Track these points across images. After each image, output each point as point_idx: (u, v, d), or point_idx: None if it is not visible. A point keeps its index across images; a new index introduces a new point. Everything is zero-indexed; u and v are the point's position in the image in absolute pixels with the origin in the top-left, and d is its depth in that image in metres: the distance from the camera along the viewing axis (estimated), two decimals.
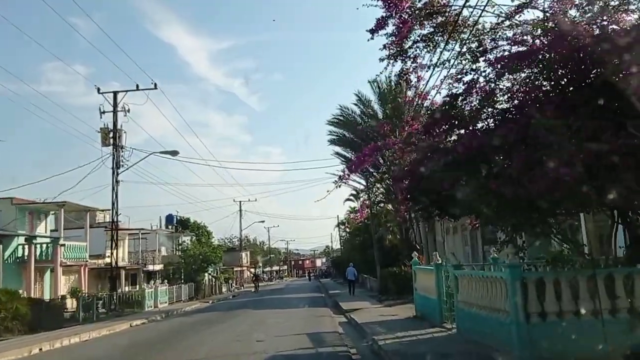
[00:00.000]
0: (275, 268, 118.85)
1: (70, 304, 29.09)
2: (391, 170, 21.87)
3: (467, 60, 10.41)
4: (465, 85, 9.54)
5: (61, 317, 25.49)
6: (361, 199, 51.91)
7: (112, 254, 29.04)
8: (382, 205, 41.74)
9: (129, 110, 28.62)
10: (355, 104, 34.71)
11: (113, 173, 28.43)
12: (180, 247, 43.52)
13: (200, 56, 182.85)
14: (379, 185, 36.90)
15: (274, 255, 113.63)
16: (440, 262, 14.86)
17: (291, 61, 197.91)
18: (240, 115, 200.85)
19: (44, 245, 30.66)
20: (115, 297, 29.30)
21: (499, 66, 9.13)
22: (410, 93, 17.09)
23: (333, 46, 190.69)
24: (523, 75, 9.30)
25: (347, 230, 62.66)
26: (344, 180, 14.05)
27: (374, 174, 35.16)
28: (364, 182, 36.86)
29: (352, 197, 52.22)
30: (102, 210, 52.44)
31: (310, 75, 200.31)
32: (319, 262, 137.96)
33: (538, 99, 8.88)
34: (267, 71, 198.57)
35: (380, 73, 11.75)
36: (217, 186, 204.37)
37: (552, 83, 8.77)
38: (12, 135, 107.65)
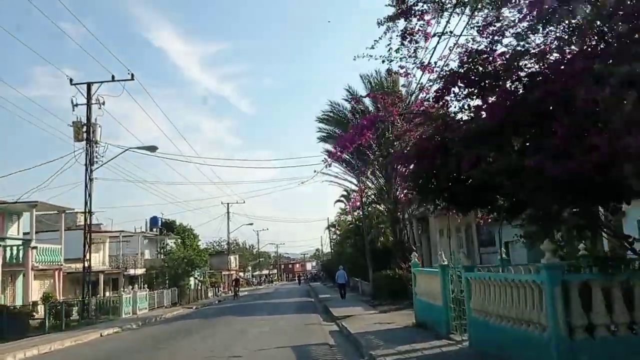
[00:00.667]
0: (265, 272, 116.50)
1: (42, 310, 26.74)
2: (389, 152, 19.45)
3: (489, 9, 8.29)
4: (490, 37, 7.46)
5: (27, 326, 23.15)
6: (352, 197, 49.96)
7: (84, 257, 26.67)
8: (373, 205, 39.71)
9: (103, 103, 26.36)
10: (346, 100, 32.66)
11: (86, 170, 26.11)
12: (163, 250, 41.15)
13: (191, 60, 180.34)
14: (371, 185, 34.82)
15: (263, 259, 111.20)
16: (445, 262, 12.77)
17: (282, 66, 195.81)
18: (230, 119, 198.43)
19: (14, 248, 28.27)
20: (89, 303, 26.90)
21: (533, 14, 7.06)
22: (404, 81, 14.87)
23: (325, 49, 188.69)
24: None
25: (338, 232, 60.58)
26: (334, 158, 12.01)
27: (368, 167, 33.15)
28: (355, 182, 34.69)
29: (342, 199, 50.14)
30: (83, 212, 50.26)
31: (301, 79, 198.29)
32: (309, 266, 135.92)
33: (585, 52, 6.86)
34: (258, 76, 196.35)
35: (377, 41, 9.58)
36: (202, 186, 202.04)
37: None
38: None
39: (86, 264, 26.90)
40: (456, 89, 7.55)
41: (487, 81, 7.21)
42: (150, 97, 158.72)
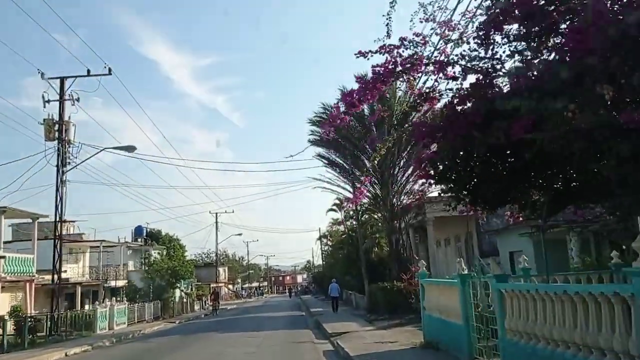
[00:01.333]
0: (255, 284, 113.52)
1: (10, 326, 24.19)
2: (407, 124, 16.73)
3: None
4: None
5: None
6: (345, 208, 47.67)
7: (54, 267, 24.09)
8: (368, 214, 37.44)
9: (77, 99, 23.93)
10: (340, 100, 30.42)
11: (58, 171, 23.65)
12: (147, 260, 38.56)
13: (182, 73, 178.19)
14: (367, 193, 32.51)
15: (253, 271, 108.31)
16: (465, 271, 10.51)
17: (273, 78, 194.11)
18: (221, 131, 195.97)
19: None
20: (59, 318, 24.31)
21: None
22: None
23: (316, 62, 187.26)
24: None
25: (330, 243, 58.20)
26: (338, 120, 9.87)
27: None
28: (349, 188, 32.41)
29: (335, 207, 47.83)
30: (67, 221, 47.58)
31: (293, 92, 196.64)
32: (299, 278, 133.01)
33: None
34: (249, 88, 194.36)
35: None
36: (191, 195, 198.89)
37: None
38: None
39: (57, 275, 24.04)
40: (510, 26, 5.34)
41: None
42: (139, 106, 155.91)
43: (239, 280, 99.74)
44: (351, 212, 47.03)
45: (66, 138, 23.79)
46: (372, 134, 30.21)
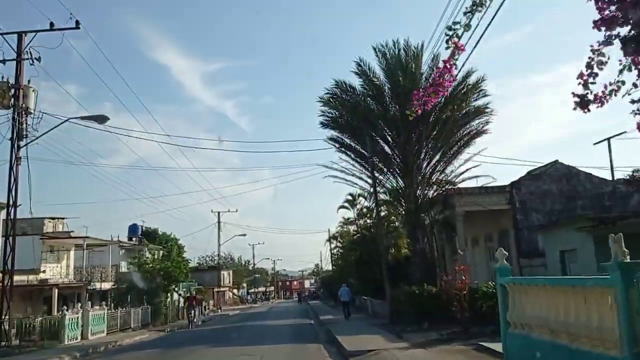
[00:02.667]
0: (262, 289, 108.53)
1: None
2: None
3: None
4: None
5: None
6: (357, 206, 42.67)
7: (4, 264, 19.10)
8: (386, 208, 32.34)
9: (38, 59, 19.19)
10: (357, 73, 25.44)
11: (12, 146, 18.89)
12: (136, 261, 33.68)
13: (192, 78, 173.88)
14: (386, 181, 27.51)
15: (259, 275, 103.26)
16: (625, 260, 5.54)
17: (281, 84, 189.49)
18: (230, 136, 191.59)
19: None
20: (10, 326, 19.44)
21: None
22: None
23: (325, 69, 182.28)
24: None
25: (340, 244, 53.13)
26: None
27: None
28: (365, 178, 27.33)
29: (347, 204, 42.81)
30: (55, 218, 42.89)
31: (301, 97, 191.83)
32: (307, 283, 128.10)
33: None
34: (257, 94, 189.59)
35: None
36: (194, 195, 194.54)
37: None
38: None
39: (9, 275, 19.16)
40: None
41: None
42: (148, 111, 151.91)
43: (245, 285, 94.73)
44: (364, 210, 42.13)
45: (23, 105, 19.06)
46: (391, 114, 25.35)
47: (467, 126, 25.33)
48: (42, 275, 31.85)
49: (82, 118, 18.93)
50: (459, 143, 25.73)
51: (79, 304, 25.58)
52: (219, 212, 56.30)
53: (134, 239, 45.25)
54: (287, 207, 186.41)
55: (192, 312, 32.30)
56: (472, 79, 24.29)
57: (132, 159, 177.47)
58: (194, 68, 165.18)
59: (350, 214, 44.53)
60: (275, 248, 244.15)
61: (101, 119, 18.88)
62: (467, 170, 25.57)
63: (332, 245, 58.45)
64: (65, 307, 24.22)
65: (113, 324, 27.09)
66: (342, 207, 42.98)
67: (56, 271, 33.38)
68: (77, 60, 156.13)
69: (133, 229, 46.14)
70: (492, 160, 30.63)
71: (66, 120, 19.19)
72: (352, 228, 46.68)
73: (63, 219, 42.02)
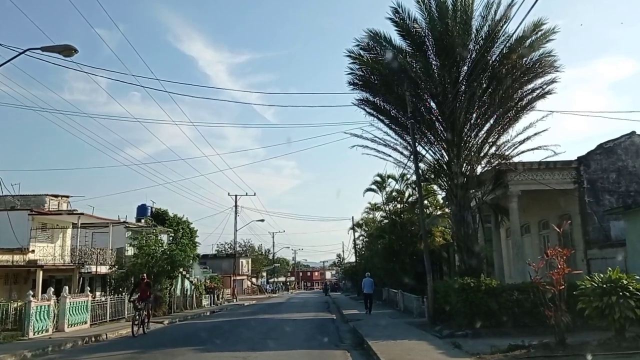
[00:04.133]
0: (282, 279, 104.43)
1: None
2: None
3: None
4: None
5: None
6: (386, 189, 37.59)
7: None
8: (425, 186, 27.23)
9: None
10: (394, 21, 20.31)
11: None
12: (137, 243, 29.39)
13: (219, 69, 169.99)
14: (425, 153, 22.45)
15: (279, 265, 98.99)
16: None
17: (308, 76, 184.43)
18: (255, 128, 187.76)
19: None
20: None
21: None
22: None
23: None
24: None
25: (365, 232, 48.29)
26: None
27: None
28: (402, 149, 22.29)
29: (374, 187, 37.77)
30: (55, 196, 38.98)
31: (326, 89, 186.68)
32: (328, 274, 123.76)
33: None
34: (284, 86, 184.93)
35: None
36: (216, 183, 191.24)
37: None
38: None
39: None
40: None
41: None
42: (174, 102, 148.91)
43: (264, 274, 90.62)
44: (394, 193, 37.14)
45: None
46: (435, 70, 20.34)
47: (531, 85, 20.14)
48: (30, 256, 27.82)
49: (44, 49, 14.39)
50: (517, 106, 20.55)
51: (66, 289, 21.12)
52: (235, 196, 51.99)
53: (142, 220, 41.08)
54: (311, 199, 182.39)
55: (140, 307, 18.70)
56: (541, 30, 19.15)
57: (160, 149, 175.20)
58: (221, 60, 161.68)
59: (378, 198, 39.54)
60: (297, 239, 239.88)
61: (66, 50, 14.34)
62: (527, 139, 20.37)
63: (357, 234, 53.60)
64: (53, 291, 19.82)
65: (101, 314, 22.81)
66: (369, 189, 37.99)
67: (47, 251, 29.29)
68: (104, 52, 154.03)
69: (141, 210, 42.06)
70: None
71: (25, 51, 14.68)
72: (379, 214, 41.83)
73: (67, 197, 38.06)
